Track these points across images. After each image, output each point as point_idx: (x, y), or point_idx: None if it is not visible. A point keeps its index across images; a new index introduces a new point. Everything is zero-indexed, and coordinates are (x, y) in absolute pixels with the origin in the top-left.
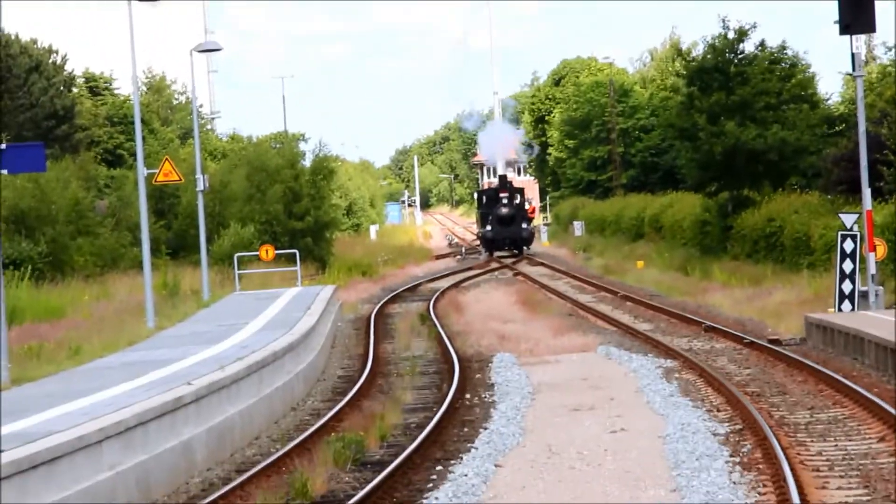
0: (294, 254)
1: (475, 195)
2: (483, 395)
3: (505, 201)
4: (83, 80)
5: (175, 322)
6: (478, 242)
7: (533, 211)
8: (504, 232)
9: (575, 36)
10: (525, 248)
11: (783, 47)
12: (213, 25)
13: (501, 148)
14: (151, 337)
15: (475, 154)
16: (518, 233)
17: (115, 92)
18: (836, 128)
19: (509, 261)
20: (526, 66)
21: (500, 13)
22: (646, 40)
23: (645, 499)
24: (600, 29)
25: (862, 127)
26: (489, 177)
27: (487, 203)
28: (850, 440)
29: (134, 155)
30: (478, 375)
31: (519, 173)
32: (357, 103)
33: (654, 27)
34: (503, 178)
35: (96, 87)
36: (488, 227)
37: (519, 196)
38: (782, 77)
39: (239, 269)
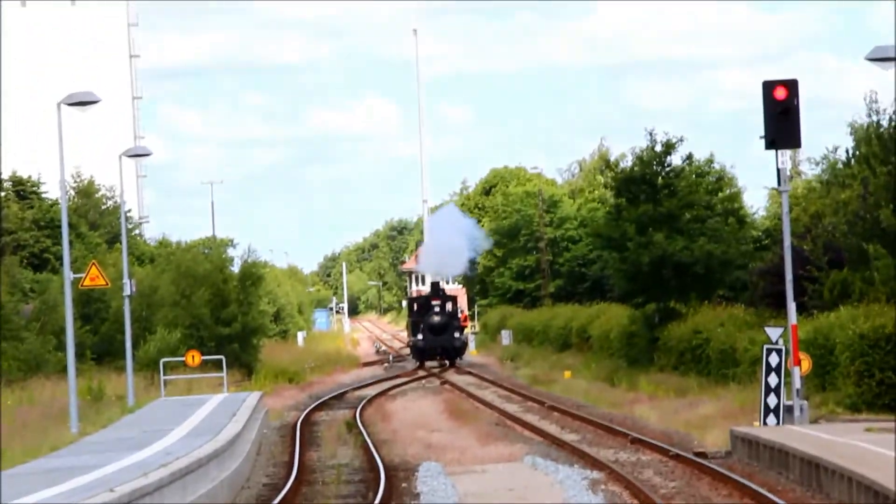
0: (220, 360)
1: (406, 302)
2: None
3: (437, 309)
4: (10, 183)
5: (99, 428)
6: (407, 350)
7: (465, 319)
8: (436, 341)
9: (505, 144)
10: (458, 358)
11: (710, 161)
12: (144, 129)
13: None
14: (75, 443)
15: (403, 262)
16: (450, 342)
17: (43, 196)
18: (762, 242)
19: (437, 369)
20: (455, 173)
21: (432, 118)
22: (575, 150)
23: None
24: (530, 137)
25: (787, 241)
26: (417, 284)
27: (419, 310)
28: None
29: (60, 259)
30: (404, 484)
31: (447, 281)
32: (287, 210)
33: (583, 138)
34: (435, 284)
35: (23, 190)
36: (419, 336)
37: (451, 304)
38: (709, 190)
39: (165, 374)
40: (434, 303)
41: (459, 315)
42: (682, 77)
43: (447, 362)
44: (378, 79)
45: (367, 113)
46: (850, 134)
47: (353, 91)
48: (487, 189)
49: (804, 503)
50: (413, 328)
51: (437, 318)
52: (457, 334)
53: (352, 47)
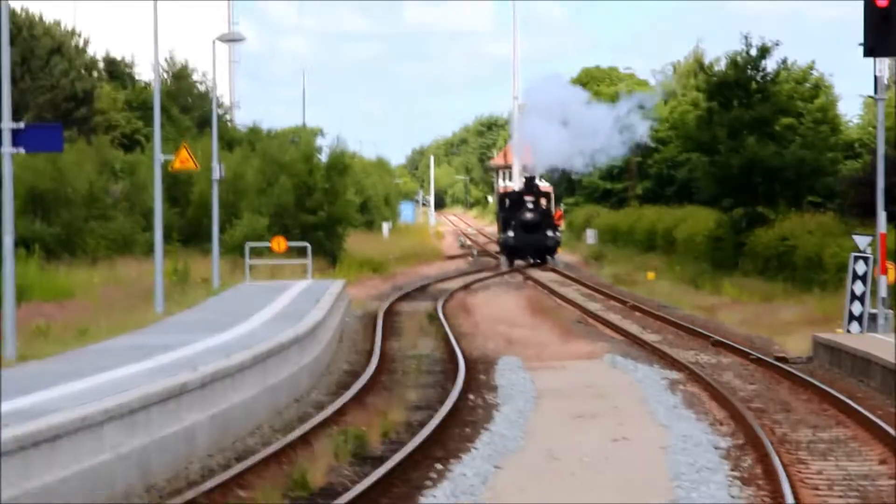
0: (305, 247)
1: (496, 197)
2: (487, 397)
3: (531, 205)
4: (104, 63)
5: (184, 308)
6: (492, 246)
7: (560, 217)
8: (528, 239)
9: (598, 45)
10: (550, 257)
11: (811, 67)
12: (240, 17)
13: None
14: (159, 322)
15: (491, 158)
16: (543, 241)
17: (136, 77)
18: (855, 150)
19: (520, 265)
20: (547, 72)
21: (526, 16)
22: (670, 52)
23: None
24: (625, 38)
25: (881, 150)
26: (504, 180)
27: (511, 207)
28: (850, 461)
29: (151, 140)
30: (482, 377)
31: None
32: (377, 103)
33: (679, 42)
34: (530, 179)
35: (117, 71)
36: (510, 233)
37: (545, 200)
38: (805, 98)
39: (250, 259)
40: (527, 198)
41: (553, 212)
42: None
43: (538, 261)
44: None
45: (462, 9)
46: None
47: None
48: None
49: (883, 410)
50: (503, 225)
51: (530, 215)
52: (550, 233)
53: None
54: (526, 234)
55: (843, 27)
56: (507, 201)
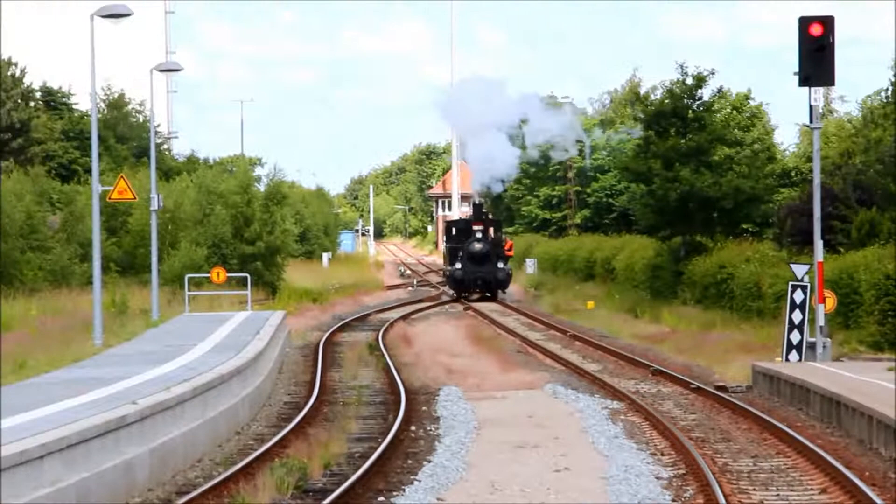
0: (245, 277)
1: (440, 226)
2: (428, 428)
3: (479, 235)
4: (40, 94)
5: (122, 341)
6: (435, 277)
7: (510, 247)
8: (477, 271)
9: (536, 71)
10: (501, 291)
11: (747, 96)
12: (177, 44)
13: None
14: (98, 354)
15: (430, 187)
16: (493, 273)
17: (73, 107)
18: (791, 178)
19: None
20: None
21: (464, 41)
22: (608, 81)
23: None
24: (564, 66)
25: (817, 179)
26: (444, 210)
27: (458, 236)
28: (791, 490)
29: (88, 170)
30: (424, 408)
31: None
32: (316, 130)
33: (616, 68)
34: (478, 207)
35: (53, 101)
36: (458, 266)
37: (494, 229)
38: (741, 126)
39: (189, 290)
40: (476, 228)
41: (503, 243)
42: (720, 10)
43: (487, 295)
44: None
45: (400, 34)
46: (892, 68)
47: (386, 11)
48: None
49: (823, 439)
50: (450, 256)
51: (479, 246)
52: (500, 264)
53: None
54: (475, 266)
55: (779, 54)
56: (454, 230)
